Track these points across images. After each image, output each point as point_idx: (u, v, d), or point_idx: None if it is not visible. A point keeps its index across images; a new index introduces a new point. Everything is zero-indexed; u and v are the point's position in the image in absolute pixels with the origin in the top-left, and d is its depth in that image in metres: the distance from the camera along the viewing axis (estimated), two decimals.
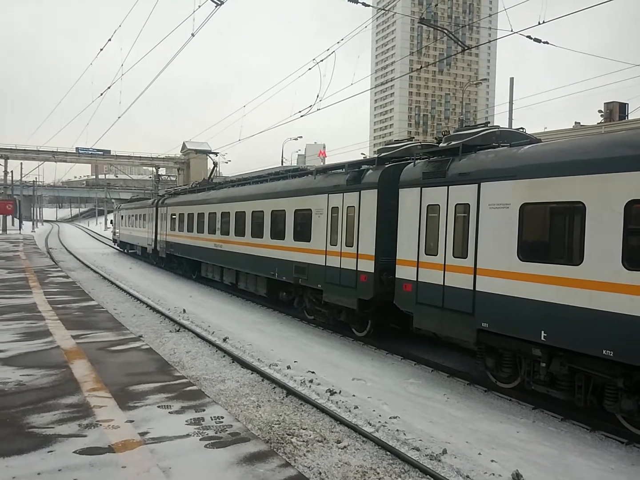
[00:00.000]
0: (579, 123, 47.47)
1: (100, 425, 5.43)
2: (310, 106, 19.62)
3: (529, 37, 16.48)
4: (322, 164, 69.82)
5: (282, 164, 61.44)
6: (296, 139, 63.95)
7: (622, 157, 7.03)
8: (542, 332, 7.84)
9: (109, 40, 20.83)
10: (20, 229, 68.03)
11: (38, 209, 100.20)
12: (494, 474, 6.41)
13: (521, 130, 10.37)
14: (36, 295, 14.05)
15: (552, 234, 8.08)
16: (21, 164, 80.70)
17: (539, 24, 13.85)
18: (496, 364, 9.21)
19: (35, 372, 7.18)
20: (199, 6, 14.98)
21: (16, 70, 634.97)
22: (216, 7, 13.94)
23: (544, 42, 17.29)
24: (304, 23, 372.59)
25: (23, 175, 79.71)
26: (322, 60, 17.86)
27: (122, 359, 8.12)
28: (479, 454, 6.96)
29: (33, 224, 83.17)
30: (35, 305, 12.46)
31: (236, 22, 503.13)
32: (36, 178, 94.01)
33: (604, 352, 7.06)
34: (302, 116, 20.95)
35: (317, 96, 18.90)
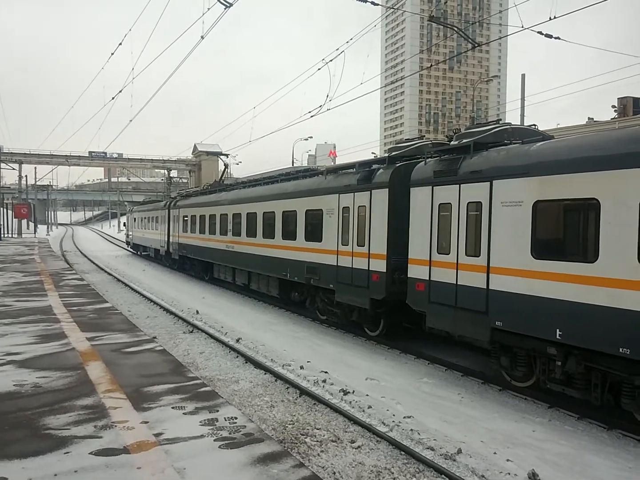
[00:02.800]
0: (592, 119, 47.02)
1: (116, 426, 5.47)
2: (320, 106, 19.63)
3: (540, 32, 16.32)
4: (332, 163, 69.75)
5: (292, 165, 61.53)
6: (306, 139, 63.99)
7: (637, 153, 6.94)
8: (557, 330, 7.76)
9: (120, 44, 21.02)
10: (35, 233, 68.83)
11: (52, 213, 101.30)
12: (509, 474, 6.36)
13: (533, 127, 10.27)
14: (51, 298, 14.20)
15: (566, 231, 8.00)
16: (35, 168, 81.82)
17: (550, 19, 13.71)
18: (511, 363, 9.13)
19: (51, 374, 7.25)
20: (209, 8, 15.04)
21: (29, 77, 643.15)
22: (225, 9, 13.98)
23: (555, 38, 17.12)
24: (313, 23, 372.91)
25: (37, 180, 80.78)
26: (331, 60, 17.85)
27: (137, 360, 8.17)
28: (495, 453, 6.91)
29: (48, 228, 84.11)
30: (50, 308, 12.59)
31: (246, 23, 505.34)
32: (50, 182, 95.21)
33: (620, 350, 6.97)
34: (312, 116, 20.98)
35: (327, 96, 18.90)
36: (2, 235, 51.28)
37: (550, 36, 16.89)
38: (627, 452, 7.10)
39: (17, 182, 70.84)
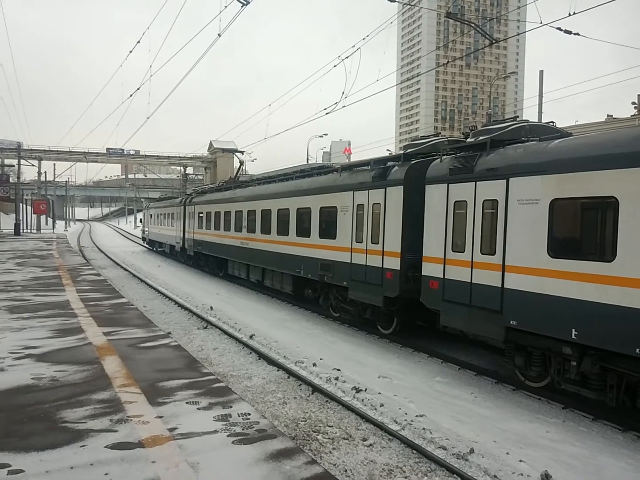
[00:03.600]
0: (612, 116, 46.32)
1: (131, 420, 5.54)
2: (335, 103, 19.57)
3: (559, 28, 16.08)
4: (347, 161, 69.66)
5: (307, 162, 61.59)
6: (321, 137, 64.11)
7: None
8: (573, 330, 7.68)
9: (138, 42, 21.20)
10: (53, 228, 69.71)
11: (70, 209, 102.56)
12: (522, 474, 6.32)
13: (551, 124, 10.15)
14: (69, 293, 14.40)
15: (583, 230, 7.90)
16: (54, 164, 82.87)
17: (570, 15, 13.51)
18: (525, 363, 9.06)
19: (68, 368, 7.36)
20: (225, 6, 15.09)
21: (43, 74, 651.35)
22: (242, 7, 14.02)
23: (574, 34, 16.86)
24: (329, 21, 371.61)
25: (56, 176, 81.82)
26: (347, 57, 17.82)
27: (152, 355, 8.26)
28: (507, 453, 6.87)
29: (66, 223, 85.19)
30: (68, 303, 12.77)
31: (262, 21, 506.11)
32: (68, 178, 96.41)
33: (637, 350, 6.88)
34: (327, 113, 20.93)
35: (343, 93, 18.85)
36: (22, 231, 52.08)
37: (569, 32, 16.63)
38: None
39: (36, 178, 71.67)
